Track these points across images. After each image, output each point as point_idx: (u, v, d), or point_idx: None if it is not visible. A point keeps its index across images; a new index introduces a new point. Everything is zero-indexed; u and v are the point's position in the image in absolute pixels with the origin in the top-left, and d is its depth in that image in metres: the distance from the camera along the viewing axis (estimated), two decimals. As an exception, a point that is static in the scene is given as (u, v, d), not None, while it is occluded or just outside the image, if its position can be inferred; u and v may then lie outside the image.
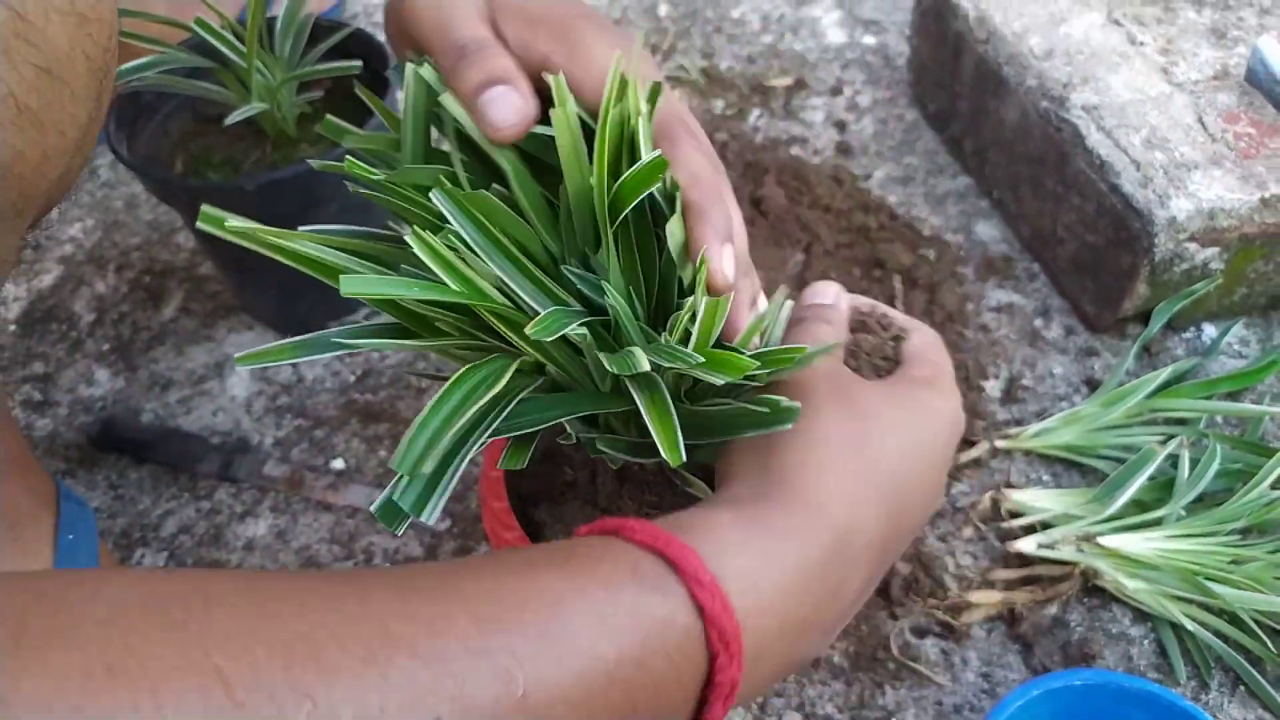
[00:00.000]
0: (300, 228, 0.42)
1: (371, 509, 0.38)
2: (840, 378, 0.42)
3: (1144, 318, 0.76)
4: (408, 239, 0.36)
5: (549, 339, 0.35)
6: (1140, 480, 0.64)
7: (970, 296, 0.82)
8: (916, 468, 0.41)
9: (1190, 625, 0.61)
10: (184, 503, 0.71)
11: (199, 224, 0.38)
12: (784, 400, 0.38)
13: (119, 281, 0.87)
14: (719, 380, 0.36)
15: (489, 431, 0.37)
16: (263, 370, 0.79)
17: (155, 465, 0.73)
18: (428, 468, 0.34)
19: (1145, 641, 0.62)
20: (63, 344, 0.83)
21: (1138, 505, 0.66)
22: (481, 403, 0.35)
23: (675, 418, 0.37)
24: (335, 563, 0.67)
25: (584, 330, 0.37)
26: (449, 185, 0.38)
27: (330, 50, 0.74)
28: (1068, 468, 0.71)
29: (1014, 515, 0.67)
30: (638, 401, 0.38)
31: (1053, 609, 0.63)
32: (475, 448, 0.37)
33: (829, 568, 0.36)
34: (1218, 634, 0.61)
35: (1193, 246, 0.70)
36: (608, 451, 0.42)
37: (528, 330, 0.35)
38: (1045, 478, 0.70)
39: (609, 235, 0.38)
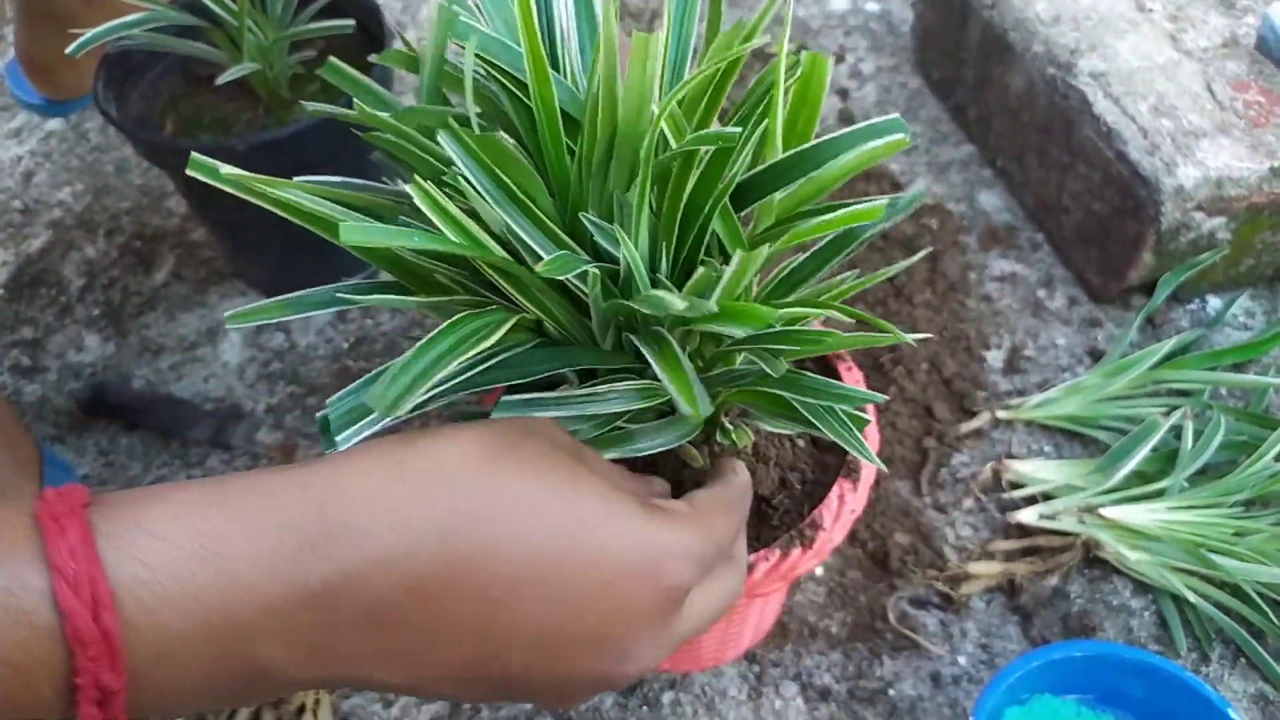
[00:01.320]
0: (297, 178, 0.41)
1: (319, 416, 0.36)
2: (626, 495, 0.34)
3: (1148, 288, 0.75)
4: (408, 188, 0.34)
5: (561, 276, 0.34)
6: (1143, 452, 0.63)
7: (973, 266, 0.81)
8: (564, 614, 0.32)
9: (1192, 597, 0.60)
10: (175, 470, 0.70)
11: (189, 170, 0.37)
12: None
13: (109, 246, 0.86)
14: (739, 331, 0.34)
15: (476, 377, 0.36)
16: (255, 337, 0.78)
17: (146, 432, 0.72)
18: (404, 409, 0.33)
19: (1146, 613, 0.61)
20: (52, 309, 0.81)
21: (1140, 477, 0.65)
22: (473, 351, 0.34)
23: (690, 371, 0.35)
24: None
25: (595, 270, 0.35)
26: (457, 127, 0.36)
27: (323, 9, 0.72)
28: (1069, 439, 0.70)
29: (1015, 486, 0.67)
30: (648, 357, 0.36)
31: (1053, 580, 0.63)
32: (457, 395, 0.36)
33: (344, 592, 0.28)
34: (1219, 606, 0.60)
35: (1199, 216, 0.69)
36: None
37: (538, 268, 0.33)
38: (1047, 449, 0.70)
39: (647, 177, 0.36)
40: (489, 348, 0.35)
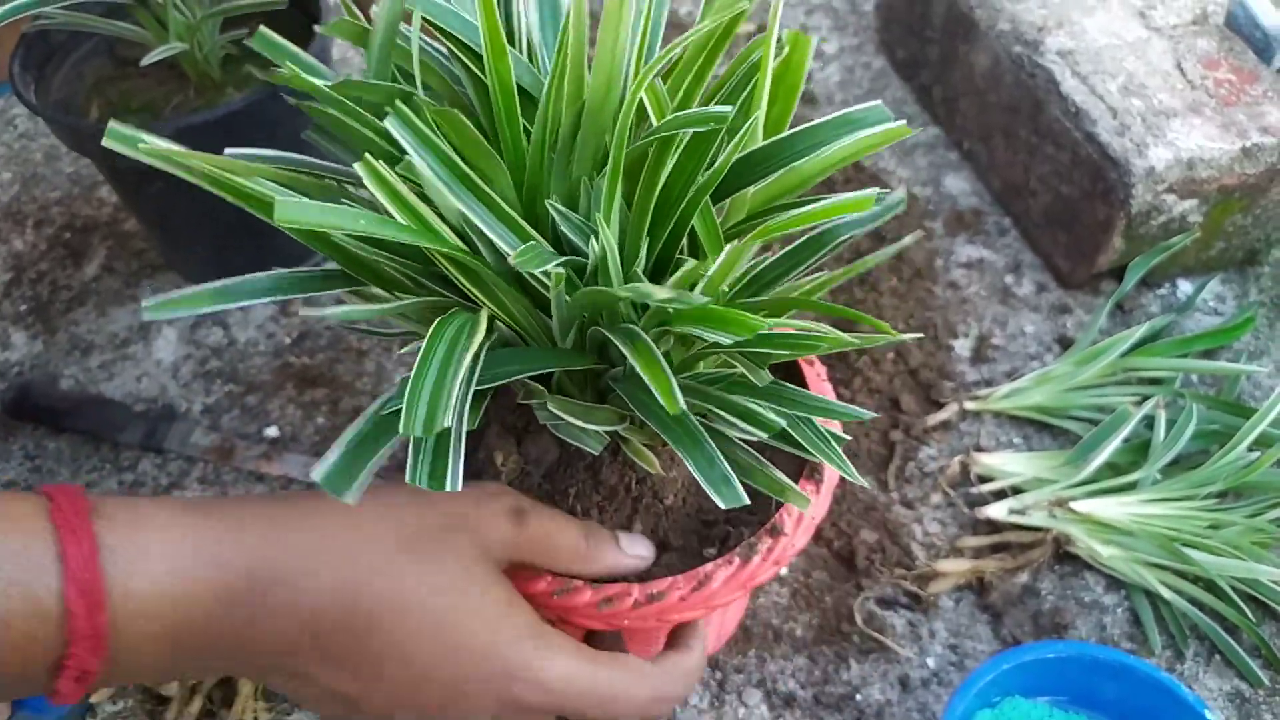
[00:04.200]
0: (229, 151, 0.37)
1: (318, 476, 0.34)
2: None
3: (1118, 274, 0.73)
4: (356, 168, 0.31)
5: (533, 269, 0.31)
6: (1115, 443, 0.61)
7: (939, 252, 0.78)
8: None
9: (1166, 593, 0.58)
10: (106, 474, 0.66)
11: (105, 142, 0.34)
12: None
13: (37, 238, 0.81)
14: (725, 339, 0.31)
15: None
16: (191, 333, 0.74)
17: (75, 434, 0.68)
18: (447, 420, 0.30)
19: (1119, 610, 0.60)
20: (-24, 305, 0.77)
21: (1112, 468, 0.63)
22: (470, 353, 0.31)
23: (666, 365, 0.32)
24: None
25: (559, 266, 0.32)
26: (404, 108, 0.33)
27: (257, -15, 0.68)
28: (1039, 430, 0.68)
29: (984, 480, 0.65)
30: (625, 351, 0.33)
31: (1023, 577, 0.60)
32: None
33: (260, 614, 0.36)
34: (1194, 601, 0.59)
35: (1171, 198, 0.67)
36: (558, 414, 0.38)
37: (512, 259, 0.31)
38: (1016, 440, 0.67)
39: (619, 161, 0.32)
40: (477, 348, 0.32)
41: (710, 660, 0.58)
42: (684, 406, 0.32)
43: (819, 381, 0.49)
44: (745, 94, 0.36)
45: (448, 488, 0.33)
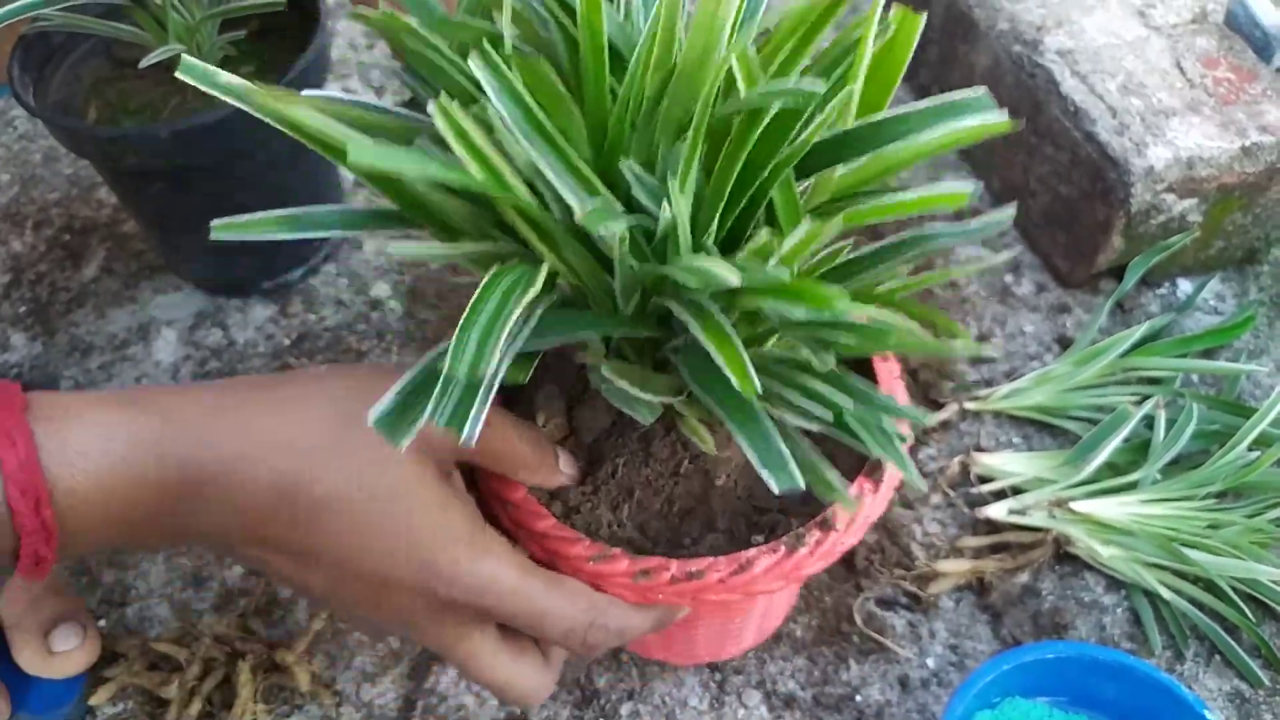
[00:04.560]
0: (305, 91, 0.37)
1: (371, 419, 0.34)
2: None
3: (1117, 273, 0.73)
4: (430, 109, 0.30)
5: (602, 232, 0.30)
6: (1114, 442, 0.61)
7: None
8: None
9: (1165, 593, 0.58)
10: (105, 476, 0.66)
11: (179, 74, 0.34)
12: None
13: (37, 240, 0.81)
14: (799, 312, 0.29)
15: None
16: (190, 334, 0.74)
17: (74, 436, 0.68)
18: (486, 370, 0.30)
19: (1119, 610, 0.59)
20: (-25, 307, 0.77)
21: (1111, 468, 0.63)
22: (521, 305, 0.31)
23: (739, 342, 0.31)
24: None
25: (625, 228, 0.31)
26: (490, 50, 0.32)
27: (256, -14, 0.68)
28: (1039, 430, 0.68)
29: (984, 480, 0.65)
30: (691, 325, 0.32)
31: (1023, 577, 0.60)
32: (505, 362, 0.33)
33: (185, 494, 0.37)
34: (1194, 602, 0.59)
35: (1170, 198, 0.67)
36: (612, 378, 0.37)
37: (579, 218, 0.30)
38: (1016, 440, 0.67)
39: (700, 129, 0.31)
40: (530, 301, 0.31)
41: (710, 662, 0.58)
42: (759, 387, 0.30)
43: (891, 379, 0.47)
44: (841, 71, 0.35)
45: (464, 432, 0.32)
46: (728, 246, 0.35)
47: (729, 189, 0.33)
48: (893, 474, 0.44)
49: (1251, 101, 0.69)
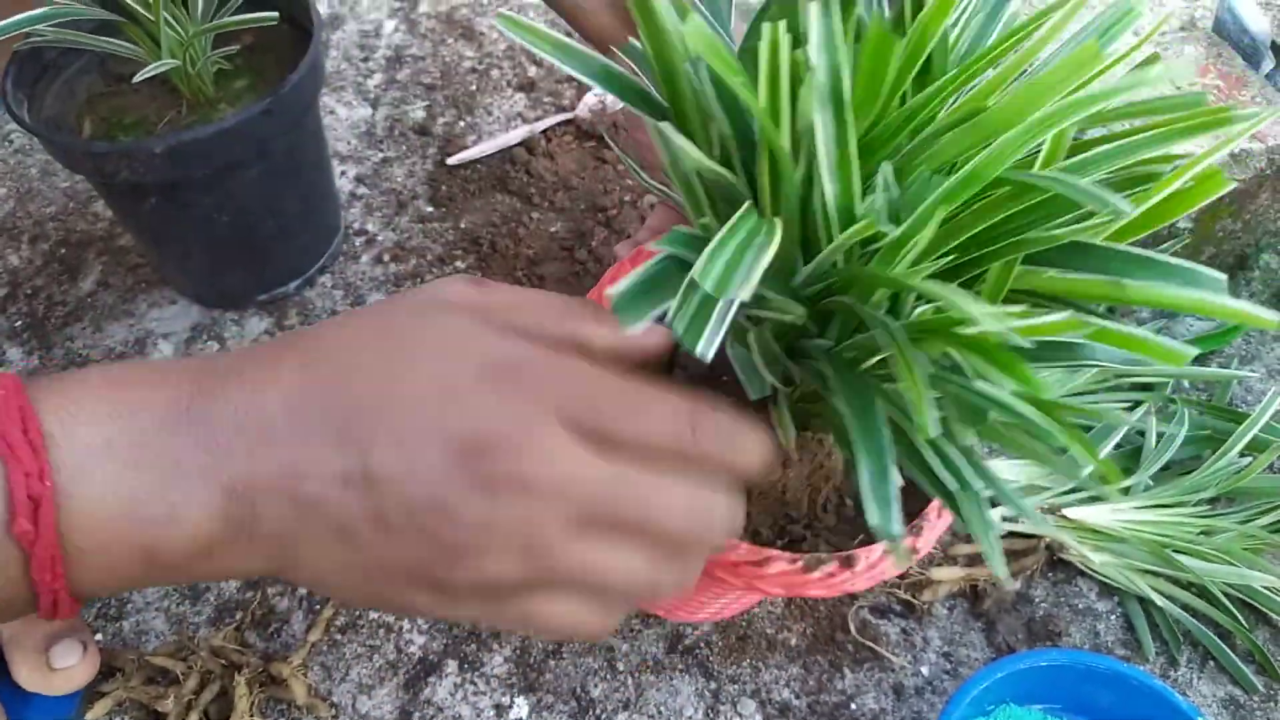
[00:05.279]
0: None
1: (611, 293, 0.31)
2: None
3: (1109, 279, 0.73)
4: (763, 30, 0.30)
5: (851, 229, 0.29)
6: (1106, 449, 0.62)
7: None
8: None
9: (1158, 599, 0.58)
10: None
11: (498, 24, 0.34)
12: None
13: (33, 254, 0.82)
14: (1002, 391, 0.28)
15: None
16: (186, 348, 0.74)
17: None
18: (744, 293, 0.28)
19: (1112, 617, 0.60)
20: (-29, 321, 0.77)
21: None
22: (766, 255, 0.29)
23: (927, 382, 0.30)
24: (263, 551, 0.63)
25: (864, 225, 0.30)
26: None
27: (251, 1, 0.68)
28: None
29: (977, 487, 0.65)
30: (884, 347, 0.31)
31: (1016, 584, 0.61)
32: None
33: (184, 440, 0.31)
34: (1186, 608, 0.59)
35: (1160, 204, 0.68)
36: (751, 346, 0.36)
37: (830, 197, 0.29)
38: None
39: (975, 178, 0.30)
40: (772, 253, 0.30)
41: (705, 670, 0.58)
42: (938, 430, 0.29)
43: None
44: (1130, 191, 0.33)
45: (698, 348, 0.30)
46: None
47: (961, 239, 0.32)
48: (929, 536, 0.44)
49: (1241, 109, 0.70)
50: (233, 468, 0.31)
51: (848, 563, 0.42)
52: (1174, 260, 0.32)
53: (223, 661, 0.56)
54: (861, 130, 0.33)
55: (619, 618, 0.35)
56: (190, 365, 0.33)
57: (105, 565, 0.31)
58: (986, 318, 0.26)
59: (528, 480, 0.30)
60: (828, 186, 0.31)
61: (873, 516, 0.32)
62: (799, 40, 0.30)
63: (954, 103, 0.34)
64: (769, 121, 0.31)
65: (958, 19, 0.36)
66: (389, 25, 1.01)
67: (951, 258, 0.33)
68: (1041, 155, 0.32)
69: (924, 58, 0.32)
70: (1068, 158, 0.32)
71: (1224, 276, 0.31)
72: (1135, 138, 0.32)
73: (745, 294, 0.28)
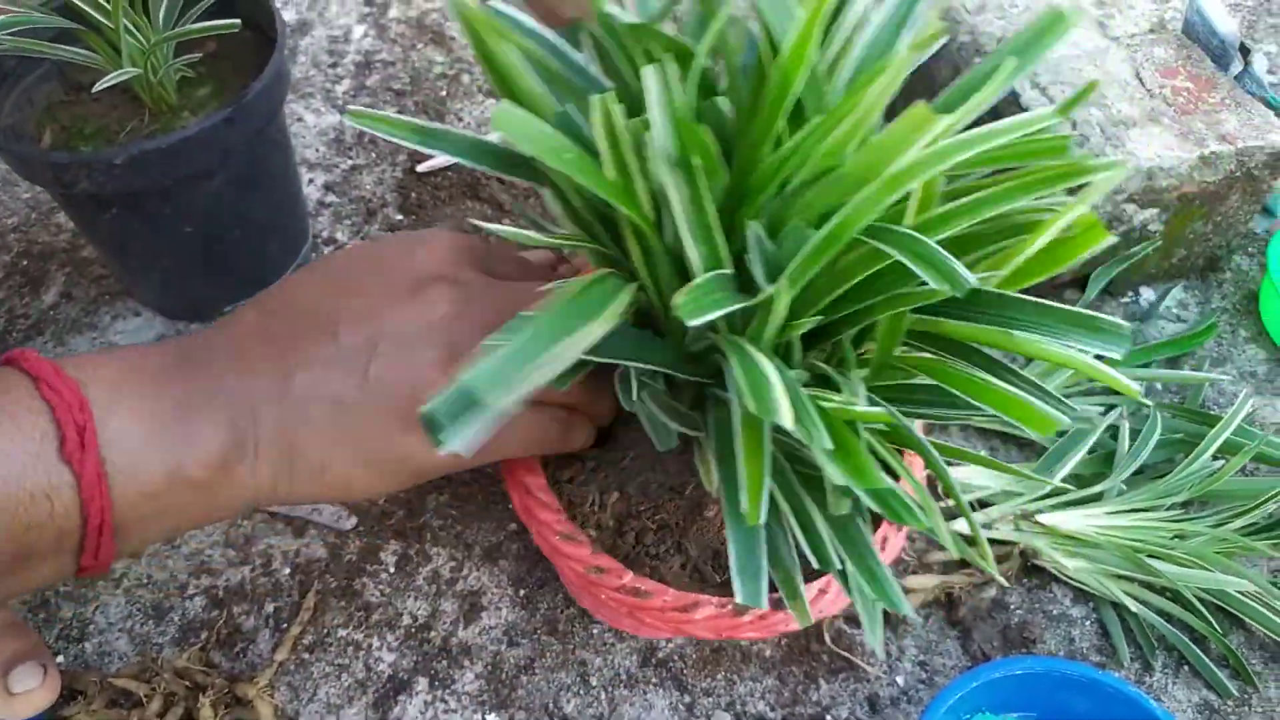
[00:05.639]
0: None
1: (421, 410, 0.30)
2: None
3: (1080, 283, 0.73)
4: (591, 101, 0.29)
5: (693, 321, 0.28)
6: (1079, 453, 0.61)
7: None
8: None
9: (1133, 605, 0.58)
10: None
11: None
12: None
13: (-6, 266, 0.80)
14: (838, 478, 0.28)
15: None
16: (151, 359, 0.73)
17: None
18: (507, 399, 0.27)
19: (1087, 623, 0.59)
20: (-70, 336, 0.76)
21: (1078, 480, 0.63)
22: (618, 312, 0.30)
23: (768, 466, 0.30)
24: (230, 568, 0.62)
25: (726, 315, 0.30)
26: (669, 67, 0.30)
27: (214, 8, 0.67)
28: (1005, 440, 0.68)
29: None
30: (734, 421, 0.31)
31: (991, 591, 0.60)
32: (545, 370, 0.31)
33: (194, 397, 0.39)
34: (1161, 613, 0.59)
35: (1131, 208, 0.68)
36: (649, 404, 0.36)
37: (676, 300, 0.28)
38: (983, 452, 0.67)
39: (844, 230, 0.29)
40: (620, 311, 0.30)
41: (679, 684, 0.57)
42: (762, 518, 0.29)
43: (897, 535, 0.47)
44: (1000, 243, 0.33)
45: (449, 444, 0.30)
46: (813, 339, 0.35)
47: (841, 292, 0.32)
48: (838, 597, 0.44)
49: (1210, 111, 0.70)
50: (227, 389, 0.39)
51: (779, 604, 0.42)
52: (1073, 309, 0.32)
53: (187, 683, 0.55)
54: (730, 184, 0.33)
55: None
56: (166, 341, 0.41)
57: (139, 488, 0.37)
58: (786, 415, 0.26)
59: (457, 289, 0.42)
60: (691, 252, 0.30)
61: (739, 594, 0.33)
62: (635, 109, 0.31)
63: (824, 147, 0.32)
64: (622, 202, 0.31)
65: (844, 41, 0.35)
66: (358, 30, 1.00)
67: (834, 313, 0.33)
68: (914, 203, 0.31)
69: (787, 103, 0.31)
70: (951, 200, 0.31)
71: (1127, 325, 0.32)
72: (997, 188, 0.31)
73: (506, 403, 0.27)
